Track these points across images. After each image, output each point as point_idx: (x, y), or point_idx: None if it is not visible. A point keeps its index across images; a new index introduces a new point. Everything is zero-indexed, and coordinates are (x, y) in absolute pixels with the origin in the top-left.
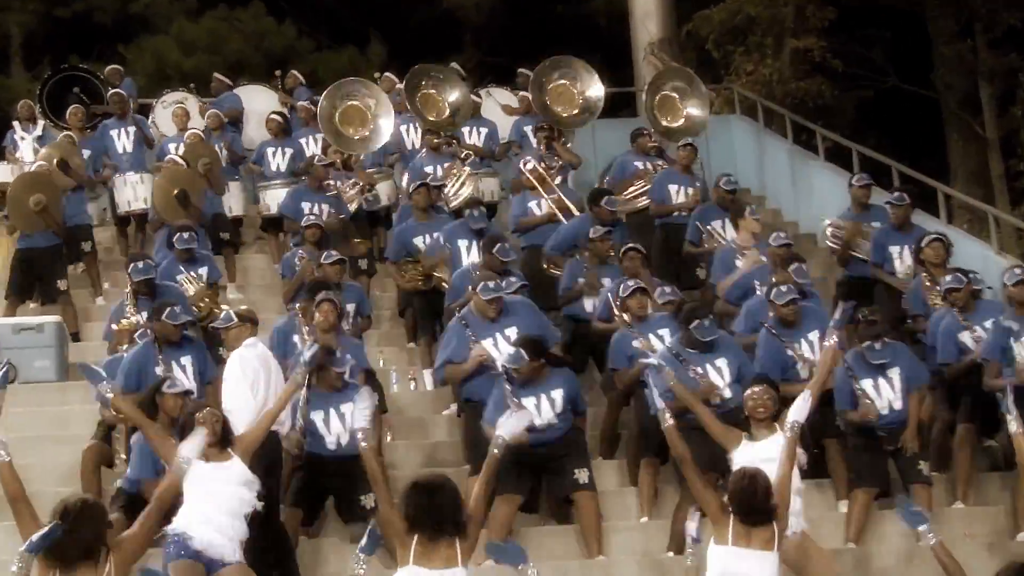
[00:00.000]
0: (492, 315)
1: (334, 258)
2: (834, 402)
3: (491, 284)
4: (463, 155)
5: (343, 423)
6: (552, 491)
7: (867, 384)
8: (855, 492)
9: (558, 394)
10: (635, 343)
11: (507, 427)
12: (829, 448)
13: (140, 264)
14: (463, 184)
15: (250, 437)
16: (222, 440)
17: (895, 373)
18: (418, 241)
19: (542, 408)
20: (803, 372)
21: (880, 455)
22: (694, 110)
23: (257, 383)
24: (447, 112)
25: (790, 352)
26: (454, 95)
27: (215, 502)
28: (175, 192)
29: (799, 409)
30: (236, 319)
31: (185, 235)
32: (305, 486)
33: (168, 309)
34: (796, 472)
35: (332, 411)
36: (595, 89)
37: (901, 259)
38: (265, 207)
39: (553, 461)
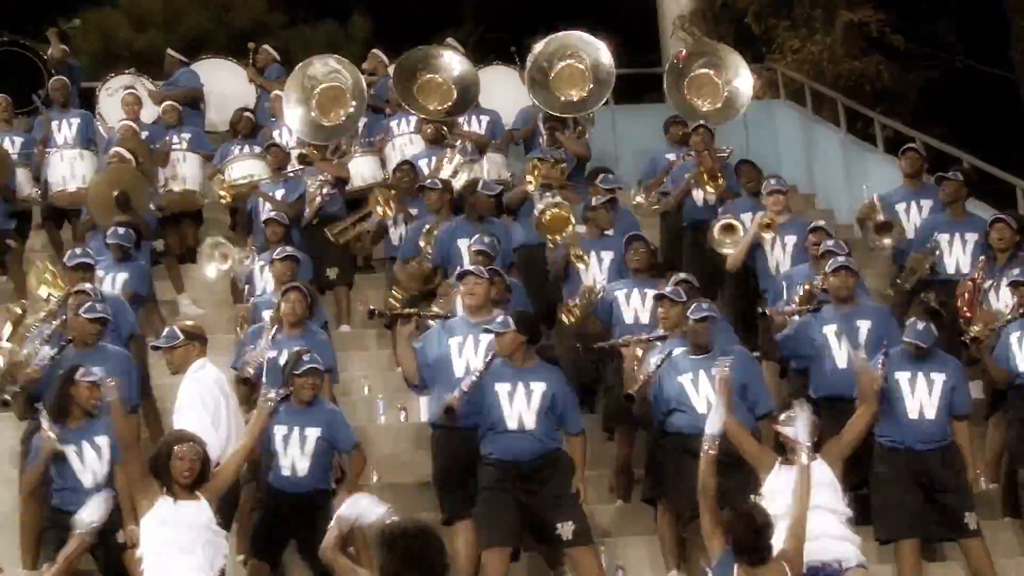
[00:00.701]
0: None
1: (285, 253)
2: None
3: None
4: (457, 144)
5: (301, 448)
6: (533, 541)
7: (903, 377)
8: (899, 543)
9: (539, 388)
10: (652, 359)
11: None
12: None
13: (78, 249)
14: (457, 169)
15: (220, 478)
16: (197, 479)
17: (939, 379)
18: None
19: (515, 401)
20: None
21: (915, 494)
22: (739, 83)
23: (219, 414)
24: (455, 93)
25: (825, 333)
26: (457, 70)
27: (178, 548)
28: (115, 194)
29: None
30: (182, 336)
31: (121, 231)
32: (265, 529)
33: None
34: (836, 494)
35: (296, 431)
36: (603, 56)
37: (951, 252)
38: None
39: (534, 492)
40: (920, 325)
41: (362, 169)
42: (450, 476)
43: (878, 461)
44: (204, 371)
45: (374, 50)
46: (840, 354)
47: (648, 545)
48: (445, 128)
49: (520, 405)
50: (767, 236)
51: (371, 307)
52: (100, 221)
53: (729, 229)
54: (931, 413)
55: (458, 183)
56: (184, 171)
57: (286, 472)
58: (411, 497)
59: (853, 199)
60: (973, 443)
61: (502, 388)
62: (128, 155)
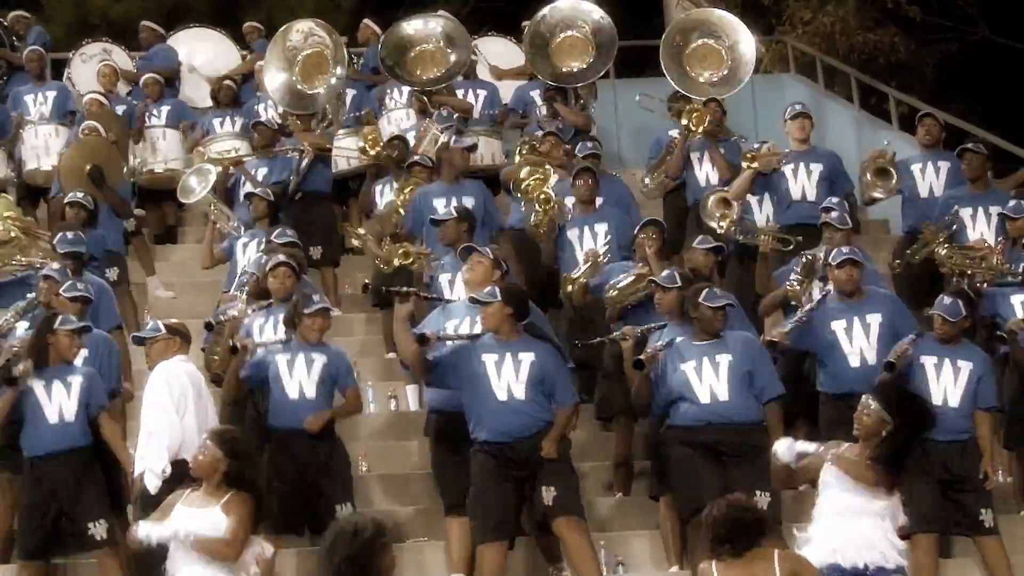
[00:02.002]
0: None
1: (288, 238)
2: None
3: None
4: (433, 113)
5: (308, 372)
6: (532, 516)
7: (928, 361)
8: (915, 537)
9: (527, 358)
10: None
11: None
12: None
13: (70, 235)
14: (437, 139)
15: None
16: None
17: (966, 367)
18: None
19: (503, 372)
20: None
21: (933, 489)
22: (743, 48)
23: (184, 402)
24: (448, 57)
25: (834, 326)
26: (444, 32)
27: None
28: (87, 168)
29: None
30: (164, 331)
31: (70, 235)
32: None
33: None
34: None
35: (302, 356)
36: (605, 22)
37: (974, 226)
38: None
39: (529, 470)
40: (948, 300)
41: (347, 151)
42: (448, 463)
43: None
44: (172, 362)
45: (366, 20)
46: (851, 351)
47: (648, 539)
48: (426, 99)
49: (508, 375)
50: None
51: (365, 280)
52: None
53: (724, 203)
54: (955, 401)
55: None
56: (164, 150)
57: (293, 395)
58: (400, 486)
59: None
60: (996, 436)
61: (489, 358)
62: (104, 130)
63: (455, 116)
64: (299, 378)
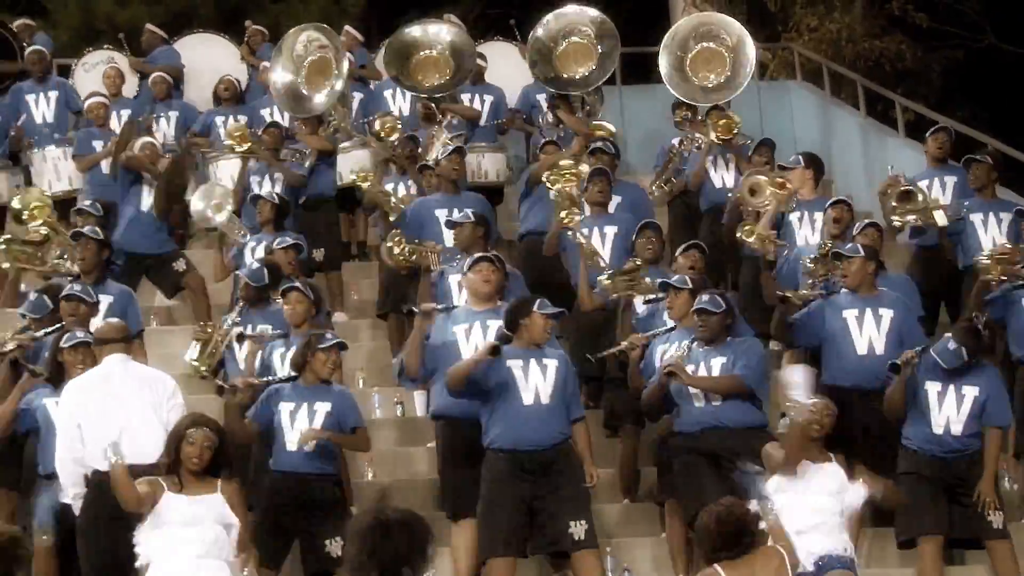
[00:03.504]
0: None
1: (288, 243)
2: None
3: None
4: (443, 120)
5: (310, 423)
6: (541, 544)
7: (932, 388)
8: (920, 543)
9: (552, 365)
10: (659, 347)
11: None
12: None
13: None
14: (438, 149)
15: None
16: (210, 467)
17: (971, 393)
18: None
19: (530, 377)
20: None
21: (938, 494)
22: (746, 50)
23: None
24: (453, 65)
25: (845, 317)
26: (448, 38)
27: (194, 547)
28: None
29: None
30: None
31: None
32: (266, 530)
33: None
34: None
35: (305, 407)
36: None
37: (986, 231)
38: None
39: (545, 491)
40: (952, 345)
41: (353, 164)
42: (455, 469)
43: (902, 460)
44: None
45: (347, 27)
46: (861, 341)
47: (655, 546)
48: (433, 106)
49: (536, 379)
50: (790, 209)
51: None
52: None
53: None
54: (957, 429)
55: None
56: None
57: (292, 447)
58: (407, 494)
59: (872, 186)
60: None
61: (515, 364)
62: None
63: (461, 124)
64: (300, 429)
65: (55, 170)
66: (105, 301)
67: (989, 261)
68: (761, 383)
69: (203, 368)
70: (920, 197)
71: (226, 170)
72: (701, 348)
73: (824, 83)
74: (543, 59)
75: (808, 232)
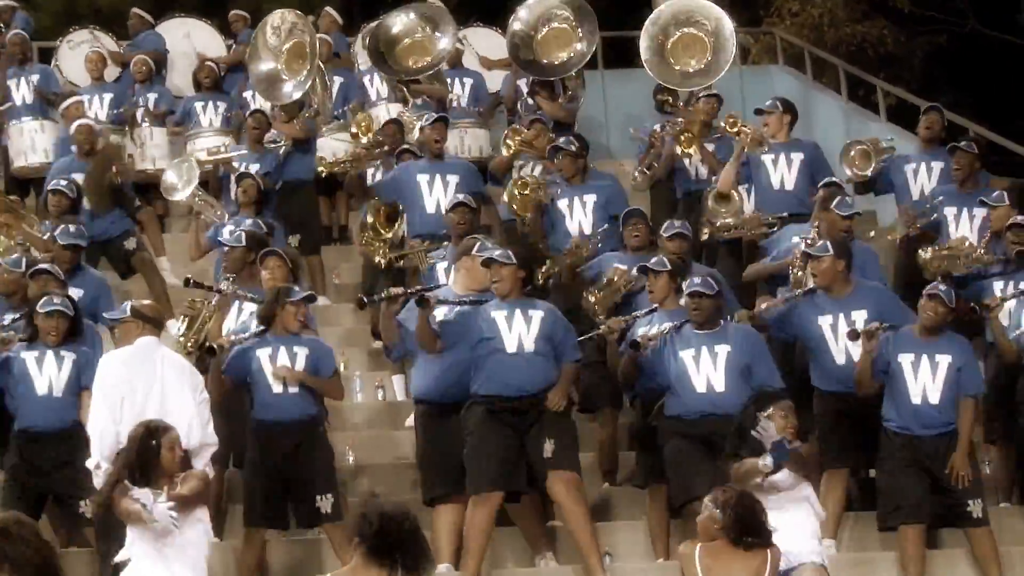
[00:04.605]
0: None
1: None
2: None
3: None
4: (410, 103)
5: (292, 365)
6: (529, 483)
7: (905, 359)
8: (901, 528)
9: (537, 315)
10: (640, 329)
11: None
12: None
13: (72, 227)
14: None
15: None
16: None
17: (944, 361)
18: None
19: (513, 326)
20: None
21: (921, 478)
22: (726, 33)
23: (125, 390)
24: (436, 49)
25: (820, 323)
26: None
27: (181, 551)
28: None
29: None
30: (129, 314)
31: (72, 228)
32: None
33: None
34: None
35: (284, 350)
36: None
37: (958, 226)
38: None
39: (529, 423)
40: (943, 286)
41: (335, 148)
42: (434, 455)
43: (884, 445)
44: (115, 352)
45: (327, 8)
46: (837, 348)
47: (635, 530)
48: (405, 88)
49: (520, 328)
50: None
51: (361, 297)
52: (99, 210)
53: (724, 198)
54: (935, 398)
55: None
56: (151, 149)
57: (277, 389)
58: (388, 477)
59: None
60: (977, 423)
61: (499, 314)
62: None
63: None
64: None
65: (32, 143)
66: (76, 293)
67: (928, 256)
68: (776, 378)
69: (189, 344)
70: (872, 164)
71: (203, 145)
72: (694, 331)
73: (806, 68)
74: (524, 47)
75: (784, 171)
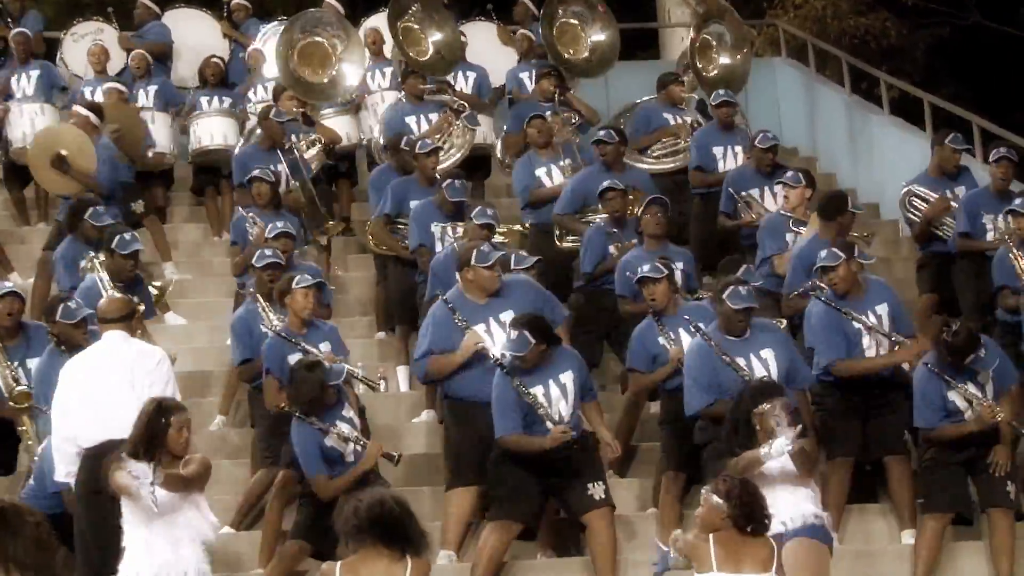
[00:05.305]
0: (494, 287)
1: (278, 230)
2: (913, 415)
3: (485, 248)
4: (455, 104)
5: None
6: (561, 510)
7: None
8: (925, 520)
9: (568, 378)
10: (660, 340)
11: None
12: (891, 468)
13: (101, 208)
14: (457, 144)
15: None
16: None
17: (987, 376)
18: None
19: (551, 397)
20: (868, 345)
21: (958, 473)
22: (727, 59)
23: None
24: (429, 53)
25: (857, 325)
26: (438, 35)
27: (177, 530)
28: (51, 156)
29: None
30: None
31: (101, 209)
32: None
33: (63, 306)
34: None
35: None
36: (608, 35)
37: (996, 230)
38: (196, 140)
39: (564, 474)
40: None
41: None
42: (465, 441)
43: (932, 451)
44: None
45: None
46: (869, 345)
47: (644, 522)
48: (423, 87)
49: (557, 400)
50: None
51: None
52: (44, 186)
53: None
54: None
55: (448, 163)
56: (154, 134)
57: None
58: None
59: (856, 163)
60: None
61: (537, 392)
62: (86, 112)
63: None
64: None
65: (32, 124)
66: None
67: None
68: (809, 371)
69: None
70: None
71: (205, 128)
72: (729, 340)
73: (809, 60)
74: (547, 35)
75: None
